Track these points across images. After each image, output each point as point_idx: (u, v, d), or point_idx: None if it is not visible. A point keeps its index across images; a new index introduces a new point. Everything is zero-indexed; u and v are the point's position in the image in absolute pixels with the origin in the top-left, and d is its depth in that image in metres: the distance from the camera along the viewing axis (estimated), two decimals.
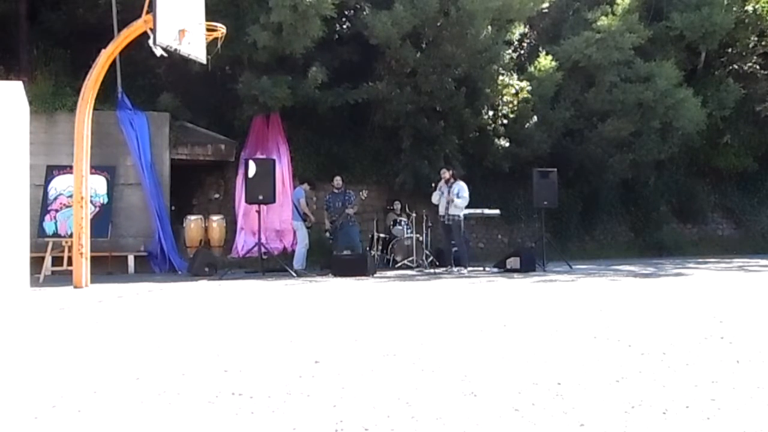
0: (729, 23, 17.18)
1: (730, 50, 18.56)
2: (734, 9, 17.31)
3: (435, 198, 12.17)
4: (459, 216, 11.91)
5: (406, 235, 13.43)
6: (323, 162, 14.95)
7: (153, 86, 14.02)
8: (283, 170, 14.10)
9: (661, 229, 18.33)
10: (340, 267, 11.09)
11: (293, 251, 12.86)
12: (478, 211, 13.77)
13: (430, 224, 13.60)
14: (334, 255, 11.61)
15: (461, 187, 11.96)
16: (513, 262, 11.87)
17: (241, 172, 13.80)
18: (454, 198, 11.81)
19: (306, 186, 12.64)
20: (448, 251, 12.28)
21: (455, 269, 11.85)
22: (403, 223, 13.74)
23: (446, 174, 12.10)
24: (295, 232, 12.89)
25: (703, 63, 18.40)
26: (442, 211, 12.03)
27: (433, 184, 12.52)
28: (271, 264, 11.95)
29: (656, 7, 17.73)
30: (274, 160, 12.49)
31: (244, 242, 13.66)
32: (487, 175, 16.26)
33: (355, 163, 15.40)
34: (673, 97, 16.35)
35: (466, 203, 11.97)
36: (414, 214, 13.47)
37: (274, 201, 11.87)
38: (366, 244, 13.71)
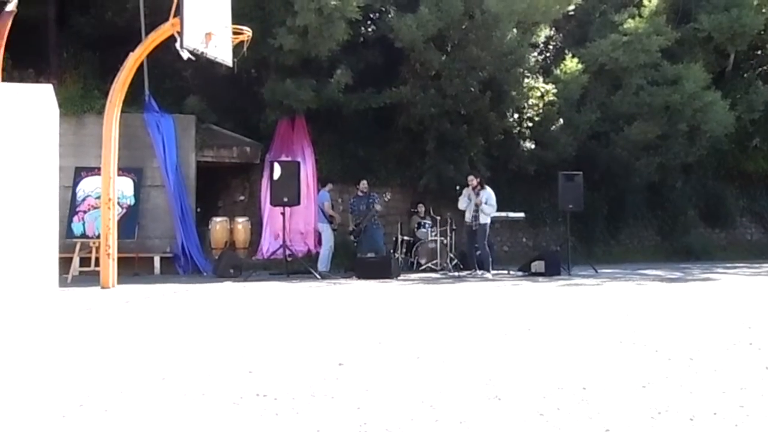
0: (759, 24, 16.88)
1: (759, 52, 18.30)
2: (764, 10, 17.04)
3: (462, 204, 12.14)
4: (486, 223, 11.93)
5: (430, 238, 13.38)
6: (348, 164, 14.93)
7: (180, 89, 14.11)
8: (307, 173, 14.09)
9: (689, 233, 18.11)
10: (364, 269, 11.09)
11: (317, 253, 12.86)
12: (503, 214, 13.69)
13: (454, 227, 13.55)
14: (358, 257, 11.62)
15: (489, 195, 11.94)
16: (538, 265, 11.80)
17: (266, 174, 13.80)
18: (483, 204, 11.83)
19: (330, 186, 12.67)
20: (471, 255, 12.26)
21: (479, 272, 11.82)
22: (427, 225, 13.70)
23: (473, 181, 12.09)
24: (319, 234, 12.91)
25: (732, 65, 18.12)
26: (468, 217, 12.04)
27: (458, 187, 12.48)
28: (295, 266, 12.01)
29: (684, 9, 17.51)
30: (298, 163, 12.52)
31: (268, 244, 13.67)
32: (512, 178, 16.16)
33: (380, 166, 15.35)
34: (701, 99, 16.12)
35: (494, 211, 11.96)
36: (438, 217, 13.43)
37: (298, 203, 11.91)
38: (390, 246, 13.66)
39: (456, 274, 12.11)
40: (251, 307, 6.54)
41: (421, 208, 14.38)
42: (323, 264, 12.18)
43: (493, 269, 12.00)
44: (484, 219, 11.86)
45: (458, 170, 14.53)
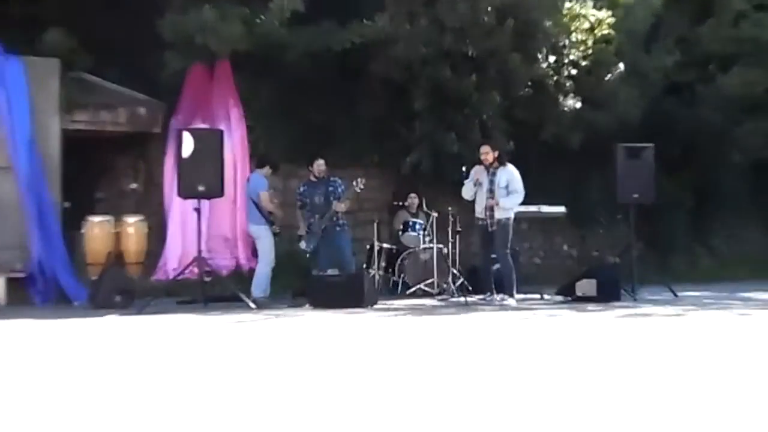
0: None
1: None
2: None
3: (467, 192, 12.03)
4: (507, 218, 11.82)
5: (422, 246, 13.40)
6: (296, 135, 14.84)
7: (34, 18, 13.88)
8: (234, 147, 13.95)
9: None
10: (322, 294, 11.04)
11: (251, 270, 12.78)
12: (533, 208, 13.58)
13: (459, 228, 13.54)
14: (313, 275, 11.67)
15: (512, 177, 11.80)
16: (586, 286, 11.78)
17: (171, 149, 13.69)
18: (500, 191, 11.73)
19: (267, 170, 12.55)
20: (487, 270, 12.18)
21: (498, 297, 11.75)
22: (418, 226, 13.71)
23: (488, 155, 11.93)
24: (254, 242, 12.82)
25: None
26: (480, 210, 11.90)
27: (464, 168, 12.41)
28: (217, 290, 11.90)
29: None
30: (221, 132, 12.35)
31: (176, 257, 13.60)
32: (546, 154, 16.17)
33: (346, 137, 15.34)
34: None
35: (519, 200, 11.86)
36: (435, 214, 13.42)
37: (221, 194, 11.81)
38: (362, 259, 13.68)
39: (462, 299, 12.06)
40: (142, 358, 6.39)
41: (410, 201, 14.42)
42: (260, 287, 12.04)
43: (518, 292, 11.96)
44: (505, 213, 11.74)
45: (464, 141, 14.52)
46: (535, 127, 15.93)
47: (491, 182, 11.78)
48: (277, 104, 14.93)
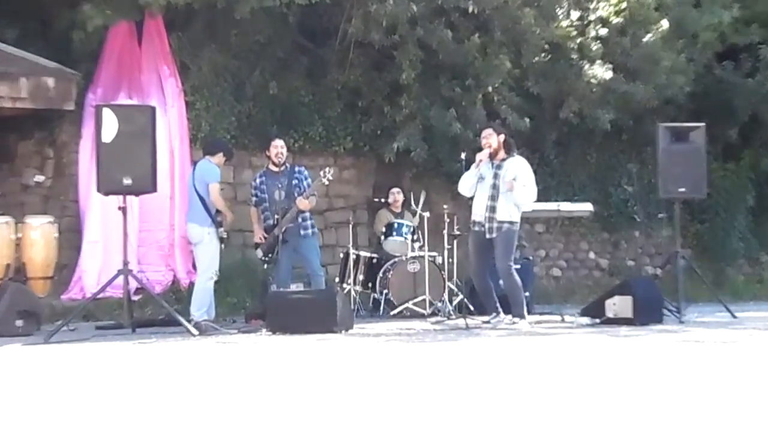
0: None
1: None
2: None
3: (467, 185, 12.00)
4: (512, 224, 11.79)
5: (411, 254, 13.51)
6: (249, 113, 15.01)
7: None
8: (170, 129, 13.97)
9: None
10: (283, 316, 11.06)
11: (192, 285, 12.83)
12: (552, 206, 13.65)
13: (457, 231, 13.59)
14: (272, 292, 11.79)
15: (520, 169, 11.83)
16: (619, 305, 11.76)
17: (87, 131, 13.69)
18: (504, 186, 11.69)
19: (219, 158, 12.48)
20: (485, 286, 12.19)
21: (504, 319, 11.82)
22: (404, 230, 13.77)
23: (490, 138, 11.95)
24: (192, 249, 12.81)
25: None
26: (480, 213, 11.90)
27: (463, 156, 12.41)
28: (149, 312, 12.01)
29: None
30: (153, 110, 12.26)
31: (96, 270, 13.53)
32: (568, 137, 16.36)
33: (312, 115, 15.46)
34: None
35: (531, 199, 11.90)
36: (426, 214, 13.49)
37: (153, 189, 11.70)
38: (333, 271, 13.82)
39: (462, 323, 12.01)
40: (47, 407, 6.33)
41: (395, 197, 14.53)
42: (201, 306, 11.99)
43: (533, 312, 11.99)
44: (510, 216, 11.77)
45: (464, 121, 14.64)
46: (553, 102, 16.05)
47: (495, 176, 11.78)
48: (225, 73, 14.97)
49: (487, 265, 12.06)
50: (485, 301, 12.25)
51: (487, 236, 11.80)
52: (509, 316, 11.80)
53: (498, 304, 11.97)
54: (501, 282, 11.97)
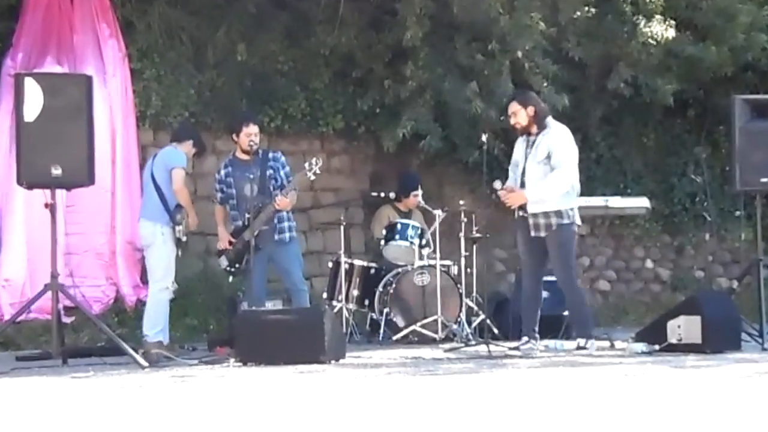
0: None
1: None
2: None
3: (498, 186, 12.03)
4: (564, 215, 11.73)
5: (418, 263, 13.52)
6: (213, 84, 15.02)
7: None
8: (111, 104, 13.96)
9: None
10: (256, 342, 11.11)
11: (141, 305, 12.86)
12: (598, 201, 13.58)
13: (477, 234, 13.65)
14: (241, 312, 11.90)
15: (555, 142, 11.78)
16: (684, 327, 11.68)
17: (5, 106, 13.69)
18: (535, 170, 11.66)
19: (189, 146, 12.46)
20: (536, 297, 12.20)
21: (536, 347, 11.82)
22: (411, 232, 13.75)
23: (517, 115, 11.94)
24: (142, 255, 12.81)
25: None
26: (531, 199, 11.84)
27: (484, 138, 12.40)
28: (85, 338, 12.07)
29: None
30: (88, 80, 12.24)
31: (17, 284, 13.49)
32: (617, 114, 16.40)
33: (292, 88, 15.50)
34: None
35: (565, 183, 11.70)
36: (439, 212, 13.48)
37: (90, 181, 11.68)
38: (320, 285, 13.92)
39: (484, 350, 11.97)
40: None
41: (413, 200, 14.46)
42: (155, 325, 11.99)
43: (573, 337, 12.08)
44: (558, 205, 11.71)
45: (486, 97, 14.60)
46: (600, 70, 16.06)
47: (526, 157, 11.82)
48: (181, 33, 14.94)
49: (540, 267, 12.11)
50: (524, 317, 12.17)
51: (532, 233, 11.83)
52: (554, 342, 11.90)
53: (537, 326, 11.98)
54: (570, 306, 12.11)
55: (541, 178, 11.66)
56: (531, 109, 11.88)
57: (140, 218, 12.38)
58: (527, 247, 12.03)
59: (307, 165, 12.42)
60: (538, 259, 12.00)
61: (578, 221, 11.94)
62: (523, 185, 11.76)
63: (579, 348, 11.65)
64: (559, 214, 11.66)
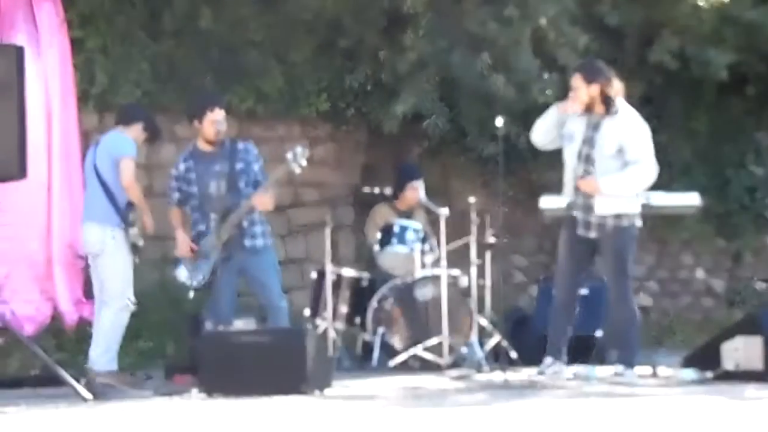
0: None
1: None
2: None
3: (539, 132, 12.06)
4: (624, 218, 11.79)
5: (420, 273, 13.49)
6: (171, 58, 15.04)
7: None
8: (47, 80, 13.96)
9: None
10: (223, 369, 11.03)
11: (84, 324, 12.94)
12: (639, 198, 13.63)
13: (492, 237, 13.63)
14: (206, 333, 11.95)
15: (628, 131, 11.80)
16: (743, 350, 11.67)
17: None
18: (603, 163, 11.66)
19: (138, 131, 12.42)
20: (571, 310, 12.26)
21: (588, 373, 11.84)
22: (410, 235, 13.77)
23: (578, 90, 11.90)
24: (87, 265, 12.81)
25: None
26: (569, 192, 11.94)
27: (499, 123, 12.35)
28: (15, 364, 12.15)
29: None
30: (19, 51, 12.24)
31: None
32: (661, 92, 16.52)
33: (268, 62, 15.49)
34: None
35: (646, 178, 11.84)
36: (444, 211, 13.48)
37: (21, 174, 11.57)
38: (303, 299, 13.88)
39: (499, 377, 12.06)
40: None
41: (412, 193, 14.47)
42: (107, 348, 11.97)
43: (610, 361, 12.17)
44: (622, 208, 11.77)
45: (503, 72, 14.57)
46: (640, 39, 16.11)
47: (590, 142, 11.78)
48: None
49: (579, 274, 12.17)
50: (552, 333, 12.18)
51: (580, 232, 11.83)
52: (581, 368, 11.87)
53: (565, 348, 11.98)
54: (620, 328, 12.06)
55: (612, 171, 11.71)
56: (595, 88, 11.79)
57: (84, 221, 12.26)
58: (569, 247, 12.07)
59: (290, 154, 12.29)
60: (580, 264, 12.08)
61: (639, 222, 11.94)
62: (585, 175, 11.76)
63: (616, 375, 11.61)
64: (617, 215, 11.76)
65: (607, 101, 11.79)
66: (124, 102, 13.85)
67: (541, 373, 11.85)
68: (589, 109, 11.77)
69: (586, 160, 11.73)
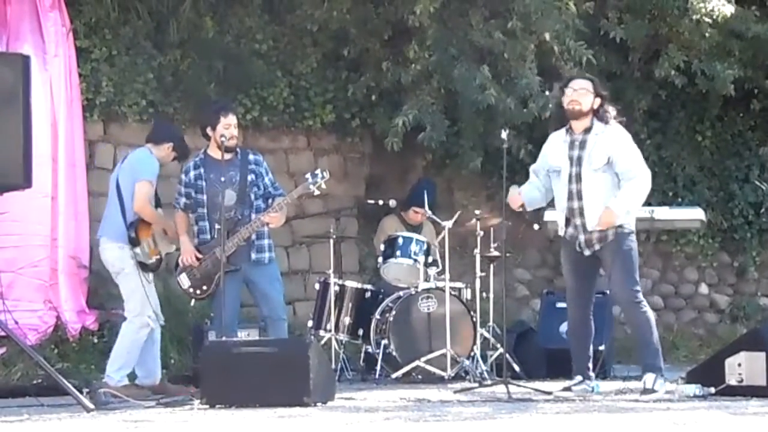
0: None
1: None
2: None
3: (529, 200, 12.05)
4: (624, 227, 11.73)
5: (423, 285, 13.45)
6: (176, 68, 15.01)
7: None
8: (53, 90, 13.95)
9: None
10: (226, 380, 10.98)
11: (88, 334, 12.93)
12: (643, 212, 13.54)
13: (495, 250, 13.66)
14: (209, 344, 12.00)
15: (618, 146, 11.72)
16: (747, 366, 11.55)
17: None
18: (595, 180, 11.57)
19: (167, 150, 12.40)
20: (587, 329, 12.22)
21: (593, 388, 11.76)
22: (413, 248, 13.69)
23: (583, 96, 11.79)
24: (89, 274, 12.73)
25: None
26: (562, 217, 11.96)
27: (504, 135, 12.32)
28: (18, 374, 12.13)
29: None
30: (25, 60, 12.24)
31: None
32: (666, 107, 16.51)
33: (273, 73, 15.47)
34: None
35: (644, 192, 11.81)
36: (448, 223, 13.45)
37: (26, 183, 11.56)
38: (306, 310, 13.97)
39: (502, 391, 11.91)
40: None
41: (415, 216, 14.51)
42: (122, 364, 11.95)
43: (613, 376, 12.33)
44: (621, 218, 11.68)
45: (505, 85, 14.57)
46: (645, 53, 16.14)
47: (576, 161, 11.75)
48: (138, 6, 14.92)
49: (590, 291, 12.09)
50: (575, 352, 12.19)
51: (585, 252, 11.82)
52: (650, 379, 11.73)
53: (590, 364, 11.98)
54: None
55: (607, 187, 11.64)
56: (598, 101, 11.82)
57: (100, 235, 12.30)
58: (573, 267, 12.03)
59: (310, 176, 12.26)
60: (587, 280, 12.01)
61: (633, 227, 11.88)
62: (576, 196, 11.73)
63: (645, 391, 11.53)
64: (623, 225, 11.73)
65: (600, 116, 11.82)
66: (130, 111, 13.83)
67: (568, 389, 11.87)
68: (575, 117, 11.81)
69: (577, 180, 11.72)
